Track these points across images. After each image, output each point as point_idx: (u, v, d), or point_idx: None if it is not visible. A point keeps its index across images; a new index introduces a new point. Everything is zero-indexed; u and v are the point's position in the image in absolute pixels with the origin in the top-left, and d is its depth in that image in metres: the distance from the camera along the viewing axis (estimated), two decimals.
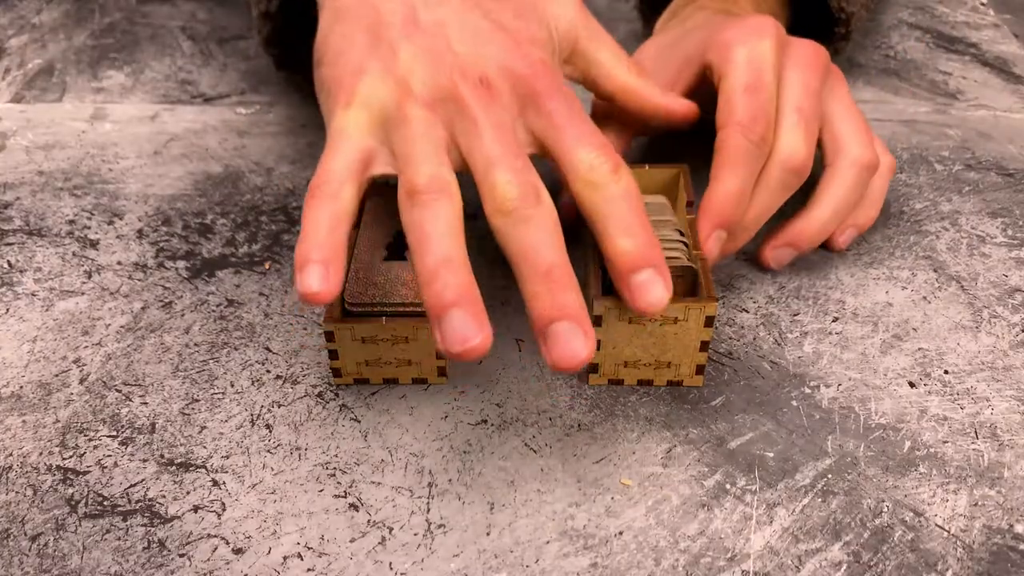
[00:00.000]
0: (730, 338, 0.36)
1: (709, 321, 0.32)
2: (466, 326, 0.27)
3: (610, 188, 0.30)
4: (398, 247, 0.34)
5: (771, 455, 0.31)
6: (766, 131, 0.35)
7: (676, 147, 0.46)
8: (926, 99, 0.51)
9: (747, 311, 0.37)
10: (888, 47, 0.57)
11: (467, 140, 0.30)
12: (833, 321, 0.37)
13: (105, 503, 0.30)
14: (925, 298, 0.38)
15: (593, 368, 0.33)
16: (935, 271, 0.39)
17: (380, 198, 0.37)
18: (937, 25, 0.59)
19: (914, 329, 0.36)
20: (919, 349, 0.35)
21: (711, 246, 0.35)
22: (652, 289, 0.29)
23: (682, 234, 0.34)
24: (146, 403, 0.33)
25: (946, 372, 0.34)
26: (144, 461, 0.31)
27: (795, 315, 0.37)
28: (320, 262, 0.27)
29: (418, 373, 0.34)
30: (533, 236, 0.29)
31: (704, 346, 0.32)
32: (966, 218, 0.42)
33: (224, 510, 0.29)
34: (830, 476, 0.30)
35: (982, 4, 0.62)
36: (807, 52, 0.37)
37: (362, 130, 0.31)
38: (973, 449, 0.31)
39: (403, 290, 0.32)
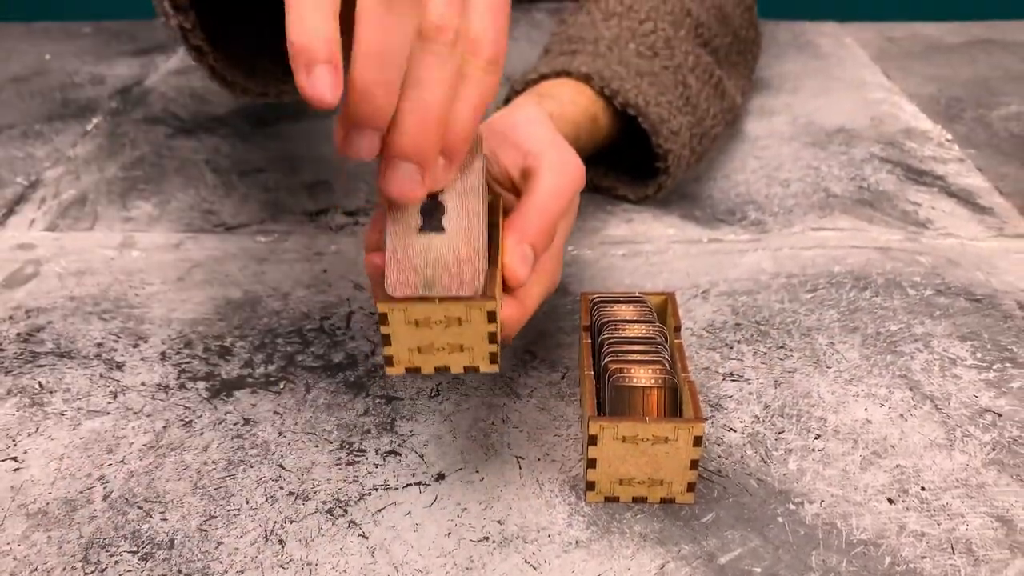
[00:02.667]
0: (719, 456, 0.38)
1: (697, 441, 0.34)
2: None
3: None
4: (433, 210, 0.32)
5: (759, 571, 0.33)
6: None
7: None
8: (898, 228, 0.55)
9: (734, 430, 0.39)
10: (862, 179, 0.61)
11: None
12: (815, 438, 0.39)
13: None
14: (902, 416, 0.40)
15: (590, 486, 0.35)
16: (911, 390, 0.42)
17: None
18: (906, 159, 0.64)
19: (892, 446, 0.38)
20: (897, 466, 0.37)
21: (520, 262, 0.35)
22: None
23: (664, 341, 0.37)
24: (166, 519, 0.35)
25: (923, 489, 0.36)
26: None
27: (780, 433, 0.39)
28: (327, 63, 0.26)
29: (470, 361, 0.32)
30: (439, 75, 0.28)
31: (694, 464, 0.35)
32: (938, 341, 0.45)
33: None
34: None
35: (947, 140, 0.67)
36: None
37: None
38: (950, 564, 0.33)
39: (446, 278, 0.30)
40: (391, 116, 0.28)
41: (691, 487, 0.35)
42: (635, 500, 0.36)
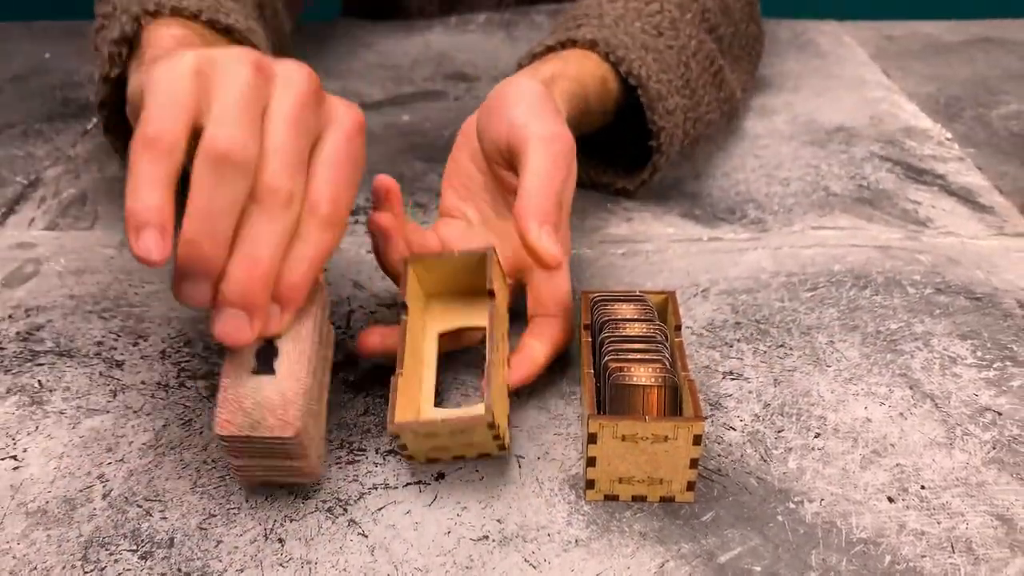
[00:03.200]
0: (719, 455, 0.38)
1: (697, 439, 0.34)
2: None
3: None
4: (268, 353, 0.34)
5: (758, 569, 0.33)
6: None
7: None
8: (898, 226, 0.55)
9: (734, 429, 0.39)
10: (862, 178, 0.61)
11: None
12: (815, 437, 0.39)
13: None
14: (902, 414, 0.40)
15: (590, 484, 0.35)
16: (910, 389, 0.42)
17: None
18: (906, 158, 0.64)
19: (892, 445, 0.38)
20: (897, 465, 0.37)
21: (549, 242, 0.37)
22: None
23: (665, 340, 0.37)
24: (165, 518, 0.35)
25: (923, 487, 0.36)
26: (162, 575, 0.33)
27: (779, 432, 0.39)
28: (154, 227, 0.29)
29: (480, 450, 0.37)
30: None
31: (694, 463, 0.35)
32: (938, 339, 0.45)
33: None
34: None
35: (947, 139, 0.67)
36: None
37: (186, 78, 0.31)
38: (950, 563, 0.33)
39: (271, 419, 0.32)
40: (220, 267, 0.31)
41: (691, 486, 0.35)
42: (635, 499, 0.36)
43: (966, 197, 0.59)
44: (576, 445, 0.38)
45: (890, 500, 0.35)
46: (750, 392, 0.41)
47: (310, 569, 0.33)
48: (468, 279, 0.41)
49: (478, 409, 0.35)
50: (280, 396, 0.32)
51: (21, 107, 0.74)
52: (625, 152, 0.58)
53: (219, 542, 0.34)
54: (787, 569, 0.33)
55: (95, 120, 0.71)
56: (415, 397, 0.38)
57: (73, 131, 0.69)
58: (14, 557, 0.33)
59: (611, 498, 0.36)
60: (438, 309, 0.42)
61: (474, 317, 0.41)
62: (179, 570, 0.33)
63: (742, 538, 0.34)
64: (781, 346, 0.45)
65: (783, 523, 0.35)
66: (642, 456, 0.34)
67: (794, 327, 0.46)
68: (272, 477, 0.35)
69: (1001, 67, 0.81)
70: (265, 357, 0.33)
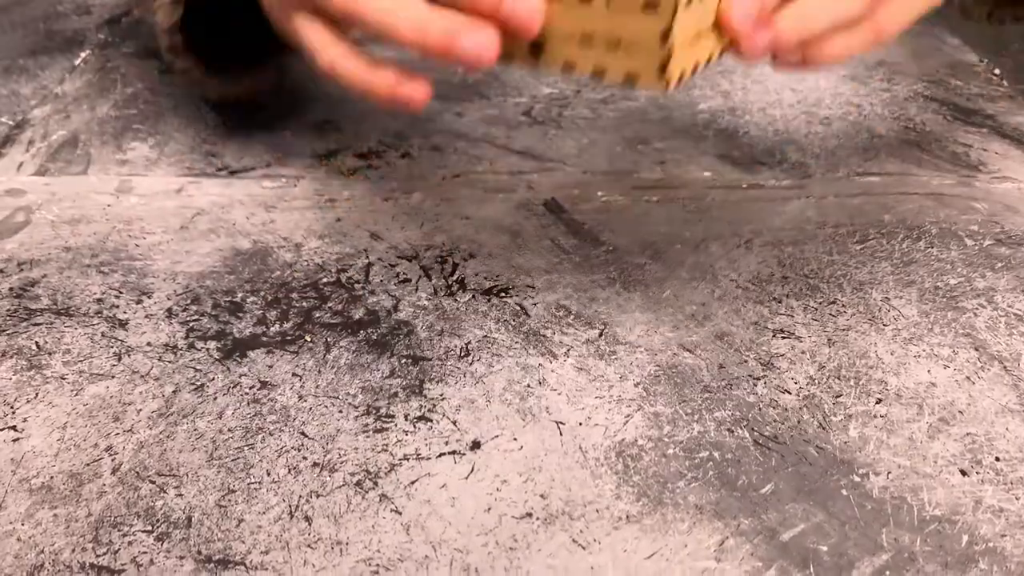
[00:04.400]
0: (774, 420, 0.35)
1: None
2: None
3: None
4: None
5: (825, 549, 0.30)
6: None
7: None
8: (949, 171, 0.52)
9: (789, 392, 0.37)
10: (907, 118, 0.57)
11: None
12: (877, 403, 0.36)
13: None
14: (968, 378, 0.37)
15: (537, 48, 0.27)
16: (976, 350, 0.39)
17: None
18: (953, 97, 0.60)
19: (960, 412, 0.36)
20: (967, 434, 0.35)
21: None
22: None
23: None
24: (181, 495, 0.32)
25: (997, 459, 0.34)
26: (181, 558, 0.30)
27: (837, 396, 0.36)
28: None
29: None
30: None
31: (665, 36, 0.24)
32: (1002, 295, 0.42)
33: None
34: (888, 573, 0.30)
35: (995, 75, 0.63)
36: None
37: None
38: None
39: None
40: None
41: (662, 70, 0.25)
42: (595, 74, 0.26)
43: (1019, 139, 0.55)
44: (621, 409, 0.36)
45: (963, 473, 0.33)
46: (803, 352, 0.39)
47: (341, 550, 0.30)
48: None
49: None
50: None
51: (2, 41, 0.69)
52: None
53: (240, 521, 0.31)
54: (856, 549, 0.30)
55: (83, 55, 0.67)
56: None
57: (59, 67, 0.65)
58: (19, 539, 0.31)
59: (568, 68, 0.27)
60: None
61: None
62: (199, 552, 0.30)
63: (805, 514, 0.32)
64: (833, 303, 0.42)
65: (848, 498, 0.32)
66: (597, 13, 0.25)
67: (845, 282, 0.43)
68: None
69: None
70: None
